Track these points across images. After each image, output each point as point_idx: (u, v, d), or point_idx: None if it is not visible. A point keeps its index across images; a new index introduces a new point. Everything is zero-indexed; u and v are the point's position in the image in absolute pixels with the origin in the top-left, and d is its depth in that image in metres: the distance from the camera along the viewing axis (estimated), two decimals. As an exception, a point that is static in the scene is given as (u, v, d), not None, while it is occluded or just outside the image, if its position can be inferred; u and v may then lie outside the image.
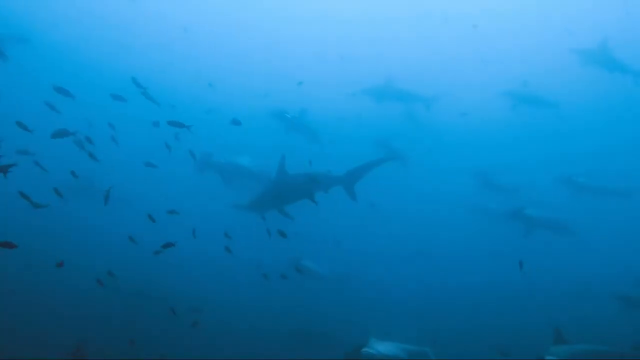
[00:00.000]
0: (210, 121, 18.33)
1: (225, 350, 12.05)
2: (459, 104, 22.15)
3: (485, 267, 17.42)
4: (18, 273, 12.67)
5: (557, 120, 21.01)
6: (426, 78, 22.08)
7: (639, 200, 17.85)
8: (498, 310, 14.91)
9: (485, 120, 25.00)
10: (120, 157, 14.67)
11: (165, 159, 12.12)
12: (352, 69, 24.22)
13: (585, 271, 16.80)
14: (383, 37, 27.84)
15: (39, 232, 13.46)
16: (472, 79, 25.93)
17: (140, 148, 14.69)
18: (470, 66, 26.84)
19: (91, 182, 14.91)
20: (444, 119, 22.66)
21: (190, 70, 27.31)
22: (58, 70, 22.47)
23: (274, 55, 29.10)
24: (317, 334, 13.27)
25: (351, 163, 10.29)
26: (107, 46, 26.65)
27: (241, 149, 15.83)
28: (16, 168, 6.96)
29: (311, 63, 27.53)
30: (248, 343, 12.36)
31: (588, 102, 26.71)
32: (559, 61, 20.92)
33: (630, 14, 22.98)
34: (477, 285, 16.25)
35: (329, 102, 23.28)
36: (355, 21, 28.06)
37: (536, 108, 19.87)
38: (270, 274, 10.10)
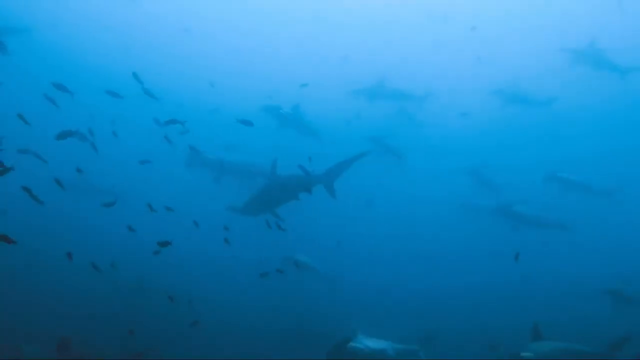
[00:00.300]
0: (212, 121, 18.42)
1: (224, 350, 12.02)
2: (454, 104, 22.22)
3: (478, 267, 17.46)
4: (16, 271, 12.69)
5: (561, 122, 21.13)
6: (424, 78, 22.15)
7: (626, 200, 18.14)
8: (492, 310, 14.90)
9: (484, 120, 25.05)
10: (120, 156, 14.71)
11: (166, 158, 12.15)
12: (354, 70, 24.21)
13: (578, 270, 16.87)
14: (382, 37, 27.92)
15: (38, 231, 13.47)
16: (469, 80, 26.00)
17: (140, 147, 14.71)
18: (468, 66, 26.92)
19: (90, 181, 14.95)
20: (440, 118, 22.75)
21: (193, 71, 27.41)
22: (58, 71, 22.49)
23: (279, 57, 29.21)
24: (317, 334, 13.24)
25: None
26: (108, 47, 26.71)
27: (243, 148, 15.92)
28: (17, 166, 6.95)
29: (314, 64, 27.60)
30: (247, 343, 12.33)
31: (586, 102, 26.82)
32: (558, 62, 20.99)
33: (627, 13, 23.19)
34: (470, 286, 16.28)
35: (332, 103, 23.31)
36: (356, 23, 28.15)
37: (527, 107, 20.11)
38: (269, 272, 10.16)
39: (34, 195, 6.83)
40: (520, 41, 27.34)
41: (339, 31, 28.51)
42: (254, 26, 29.37)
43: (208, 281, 14.84)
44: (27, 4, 24.31)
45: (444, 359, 10.20)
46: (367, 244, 18.85)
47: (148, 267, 13.06)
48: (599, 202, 18.25)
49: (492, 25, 26.22)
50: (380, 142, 17.42)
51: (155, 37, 27.72)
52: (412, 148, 19.47)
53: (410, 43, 28.11)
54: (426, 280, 16.75)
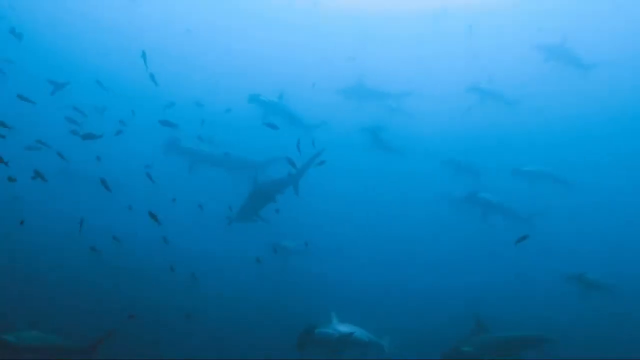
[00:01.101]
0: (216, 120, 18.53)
1: (224, 349, 12.04)
2: (448, 102, 22.24)
3: (469, 267, 17.53)
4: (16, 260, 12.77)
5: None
6: (420, 77, 22.24)
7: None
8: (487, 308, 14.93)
9: (479, 119, 25.04)
10: (124, 154, 14.75)
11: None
12: (358, 71, 24.20)
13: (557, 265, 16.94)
14: (382, 38, 28.02)
15: (38, 230, 13.53)
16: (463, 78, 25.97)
17: (143, 145, 14.79)
18: (462, 64, 26.91)
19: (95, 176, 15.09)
20: (436, 117, 22.75)
21: (195, 71, 27.51)
22: (58, 71, 22.51)
23: (281, 59, 29.36)
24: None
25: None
26: (108, 48, 26.79)
27: (218, 139, 16.20)
28: (23, 160, 7.10)
29: (319, 66, 27.71)
30: (246, 342, 12.35)
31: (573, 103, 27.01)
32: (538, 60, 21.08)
33: (621, 9, 23.32)
34: (466, 285, 16.36)
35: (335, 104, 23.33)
36: (358, 25, 28.29)
37: (498, 104, 20.34)
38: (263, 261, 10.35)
39: (40, 173, 7.03)
40: (511, 40, 27.37)
41: (342, 33, 28.62)
42: (255, 27, 29.46)
43: (207, 280, 14.88)
44: (27, 3, 24.37)
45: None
46: (366, 243, 18.91)
47: (148, 263, 13.11)
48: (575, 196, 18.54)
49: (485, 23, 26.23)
50: (376, 134, 17.39)
51: (155, 37, 27.75)
52: (407, 146, 19.50)
53: (407, 42, 28.21)
54: (424, 280, 16.80)
